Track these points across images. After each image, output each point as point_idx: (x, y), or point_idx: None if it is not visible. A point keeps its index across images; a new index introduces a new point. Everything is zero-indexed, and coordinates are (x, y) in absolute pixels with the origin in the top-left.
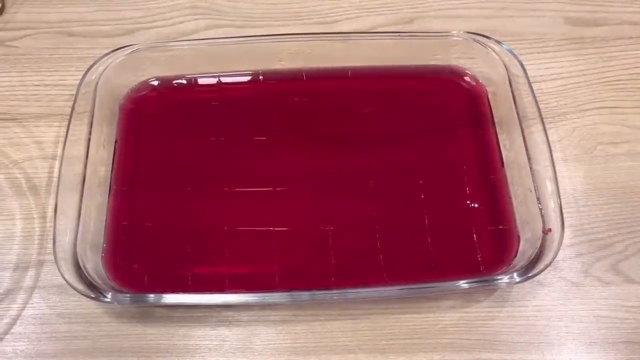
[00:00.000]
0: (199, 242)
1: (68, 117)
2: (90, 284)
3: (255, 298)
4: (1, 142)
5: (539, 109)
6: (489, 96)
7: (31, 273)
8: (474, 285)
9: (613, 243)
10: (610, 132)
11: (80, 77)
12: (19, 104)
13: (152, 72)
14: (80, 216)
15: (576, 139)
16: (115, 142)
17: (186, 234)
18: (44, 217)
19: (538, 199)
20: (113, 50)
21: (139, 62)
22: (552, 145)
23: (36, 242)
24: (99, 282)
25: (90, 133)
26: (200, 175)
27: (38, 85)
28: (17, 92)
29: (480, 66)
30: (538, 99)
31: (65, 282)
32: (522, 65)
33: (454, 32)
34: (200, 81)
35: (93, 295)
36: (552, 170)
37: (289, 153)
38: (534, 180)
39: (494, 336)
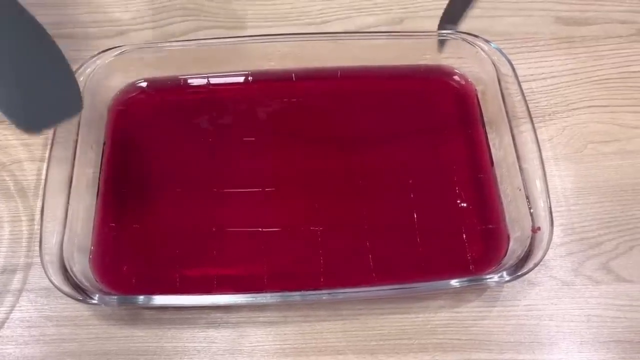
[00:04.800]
0: (187, 243)
1: None
2: (77, 286)
3: (245, 299)
4: None
5: (528, 108)
6: (479, 95)
7: (19, 276)
8: (464, 284)
9: (603, 242)
10: (600, 131)
11: None
12: None
13: (140, 73)
14: (67, 218)
15: (566, 137)
16: (104, 143)
17: (175, 235)
18: (32, 220)
19: (527, 197)
20: (101, 52)
21: (127, 63)
22: (542, 144)
23: (24, 244)
24: (87, 284)
25: (78, 134)
26: (189, 176)
27: None
28: None
29: (470, 65)
30: (528, 98)
31: (52, 284)
32: (511, 64)
33: (444, 31)
34: (190, 82)
35: (80, 298)
36: (542, 169)
37: (278, 154)
38: (523, 180)
39: (484, 336)
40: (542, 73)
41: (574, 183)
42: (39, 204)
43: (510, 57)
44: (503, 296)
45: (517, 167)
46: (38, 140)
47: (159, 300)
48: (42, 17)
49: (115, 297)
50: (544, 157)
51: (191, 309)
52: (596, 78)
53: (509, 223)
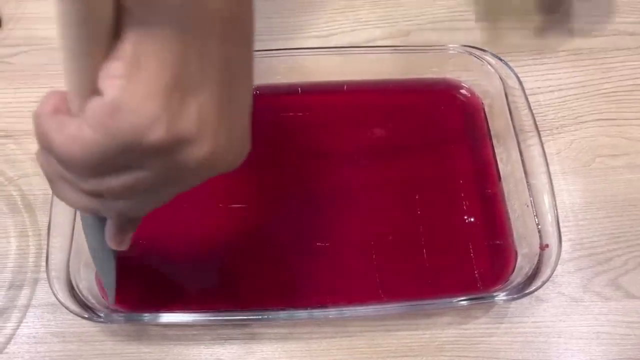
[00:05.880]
0: (193, 259)
1: None
2: (83, 304)
3: (251, 316)
4: None
5: (535, 122)
6: (486, 109)
7: (25, 291)
8: (471, 302)
9: (612, 257)
10: (608, 144)
11: None
12: (15, 121)
13: None
14: (74, 234)
15: (574, 151)
16: None
17: (180, 251)
18: (38, 235)
19: (535, 214)
20: None
21: None
22: (550, 158)
23: (31, 260)
24: (93, 301)
25: None
26: (195, 191)
27: (34, 102)
28: (12, 108)
29: (477, 79)
30: (536, 111)
31: (58, 302)
32: (517, 78)
33: (450, 45)
34: None
35: (86, 315)
36: (549, 184)
37: (283, 168)
38: (530, 195)
39: (492, 353)
40: (550, 86)
41: (582, 197)
42: (46, 219)
43: (517, 69)
44: (511, 312)
45: (525, 182)
46: None
47: (166, 317)
48: (50, 31)
49: (122, 315)
50: (551, 170)
51: (197, 326)
52: (604, 91)
53: (516, 239)
